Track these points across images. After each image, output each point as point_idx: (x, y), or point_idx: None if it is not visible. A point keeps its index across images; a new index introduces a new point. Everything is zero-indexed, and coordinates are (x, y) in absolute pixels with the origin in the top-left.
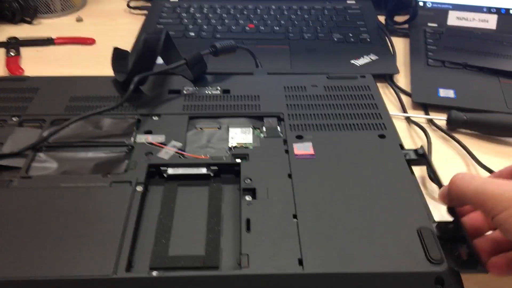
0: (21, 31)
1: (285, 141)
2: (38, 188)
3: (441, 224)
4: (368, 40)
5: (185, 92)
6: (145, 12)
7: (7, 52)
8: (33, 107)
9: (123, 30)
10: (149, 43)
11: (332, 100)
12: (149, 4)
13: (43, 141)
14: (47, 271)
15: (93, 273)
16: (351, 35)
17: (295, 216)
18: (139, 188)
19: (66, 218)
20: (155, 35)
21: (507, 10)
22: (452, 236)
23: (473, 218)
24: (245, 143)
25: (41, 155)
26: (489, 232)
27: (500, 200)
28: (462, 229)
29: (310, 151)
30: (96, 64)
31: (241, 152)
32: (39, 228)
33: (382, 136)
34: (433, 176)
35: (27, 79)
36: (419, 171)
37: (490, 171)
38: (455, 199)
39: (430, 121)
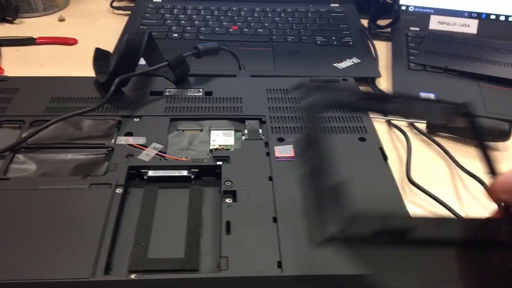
0: (2, 30)
1: (266, 144)
2: (16, 190)
3: (475, 223)
4: (351, 43)
5: (167, 93)
6: (128, 12)
7: None
8: (13, 107)
9: (106, 30)
10: (131, 44)
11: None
12: (132, 5)
13: (22, 142)
14: (25, 273)
15: (71, 276)
16: (334, 38)
17: (275, 219)
18: (119, 190)
19: (44, 221)
20: (138, 36)
21: (488, 15)
22: (502, 242)
23: None
24: (227, 145)
25: (20, 156)
26: None
27: None
28: None
29: (291, 153)
30: (78, 64)
31: (222, 154)
32: (16, 230)
33: (362, 139)
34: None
35: (6, 79)
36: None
37: (470, 174)
38: None
39: (411, 125)
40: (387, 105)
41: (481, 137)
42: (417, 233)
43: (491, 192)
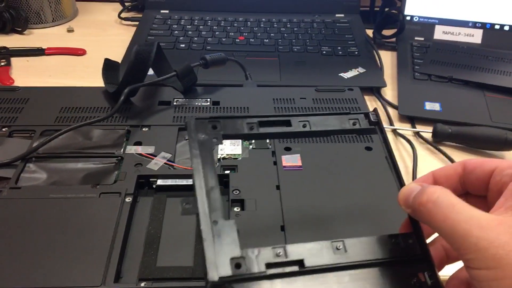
0: (12, 41)
1: (273, 153)
2: (27, 198)
3: (395, 239)
4: (356, 53)
5: (175, 103)
6: (136, 23)
7: None
8: (23, 117)
9: (114, 41)
10: (141, 55)
11: (320, 111)
12: (140, 15)
13: (33, 151)
14: (35, 281)
15: (82, 284)
16: (339, 48)
17: (282, 228)
18: (128, 199)
19: (55, 229)
20: (147, 47)
21: (492, 25)
22: (410, 256)
23: (438, 245)
24: (234, 155)
25: (31, 165)
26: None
27: (485, 256)
28: (427, 251)
29: (298, 162)
30: (87, 75)
31: (230, 163)
32: (28, 238)
33: (368, 149)
34: (389, 158)
35: (17, 90)
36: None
37: None
38: (422, 220)
39: (417, 134)
40: (288, 128)
41: (388, 145)
42: (314, 261)
43: (399, 204)
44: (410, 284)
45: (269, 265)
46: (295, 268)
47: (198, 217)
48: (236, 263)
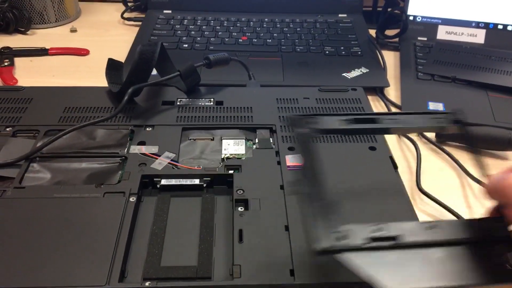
0: (15, 41)
1: (277, 153)
2: (32, 198)
3: (485, 221)
4: (359, 53)
5: (178, 103)
6: (139, 23)
7: (1, 62)
8: (27, 117)
9: (117, 41)
10: (144, 55)
11: (323, 112)
12: (143, 16)
13: (37, 151)
14: (40, 281)
15: (87, 283)
16: (342, 48)
17: (287, 227)
18: (132, 199)
19: (60, 229)
20: (151, 47)
21: (495, 25)
22: (498, 237)
23: None
24: (238, 154)
25: (35, 165)
26: None
27: None
28: None
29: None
30: (90, 74)
31: (234, 163)
32: (32, 238)
33: (372, 148)
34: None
35: (20, 90)
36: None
37: (480, 182)
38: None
39: (420, 134)
40: (378, 125)
41: (473, 143)
42: (408, 238)
43: (485, 193)
44: (497, 263)
45: (367, 239)
46: (391, 243)
47: (306, 196)
48: (339, 236)
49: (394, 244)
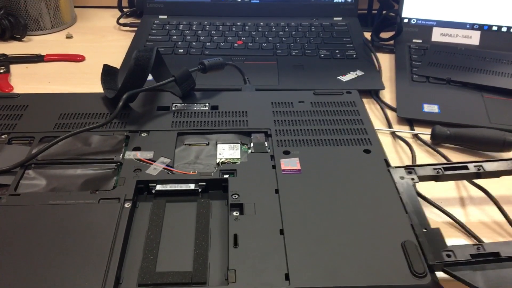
0: (11, 48)
1: (272, 157)
2: (27, 205)
3: None
4: (354, 56)
5: (173, 108)
6: (135, 29)
7: None
8: (22, 124)
9: (113, 47)
10: (140, 61)
11: (318, 116)
12: (138, 21)
13: (32, 158)
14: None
15: None
16: (337, 51)
17: (281, 232)
18: (127, 205)
19: (55, 235)
20: (146, 53)
21: (490, 26)
22: None
23: None
24: (233, 159)
25: (30, 172)
26: None
27: None
28: None
29: (297, 166)
30: (86, 81)
31: (229, 167)
32: (27, 245)
33: (367, 151)
34: None
35: (16, 96)
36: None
37: (475, 184)
38: None
39: (415, 136)
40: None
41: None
42: (509, 251)
43: None
44: None
45: (472, 255)
46: (493, 258)
47: (412, 227)
48: (447, 254)
49: (497, 258)
